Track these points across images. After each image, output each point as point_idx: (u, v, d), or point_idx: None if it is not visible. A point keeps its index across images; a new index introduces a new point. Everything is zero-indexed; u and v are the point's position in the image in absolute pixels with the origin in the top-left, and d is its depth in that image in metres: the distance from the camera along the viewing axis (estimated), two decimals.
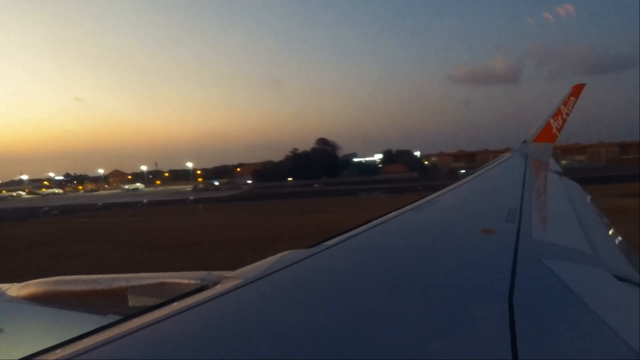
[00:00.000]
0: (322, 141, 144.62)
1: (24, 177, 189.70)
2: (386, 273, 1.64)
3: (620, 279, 1.78)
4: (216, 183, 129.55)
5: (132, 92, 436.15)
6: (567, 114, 10.19)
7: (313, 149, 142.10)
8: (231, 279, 1.62)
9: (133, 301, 2.47)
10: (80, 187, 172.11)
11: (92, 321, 2.42)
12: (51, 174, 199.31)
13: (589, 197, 5.15)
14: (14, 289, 2.77)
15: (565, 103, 10.20)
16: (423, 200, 3.61)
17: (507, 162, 8.10)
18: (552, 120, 10.06)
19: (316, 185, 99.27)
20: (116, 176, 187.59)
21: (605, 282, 1.73)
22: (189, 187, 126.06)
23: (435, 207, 3.40)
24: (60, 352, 1.11)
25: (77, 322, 2.46)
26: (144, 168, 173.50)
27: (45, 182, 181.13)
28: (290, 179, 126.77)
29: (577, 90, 10.36)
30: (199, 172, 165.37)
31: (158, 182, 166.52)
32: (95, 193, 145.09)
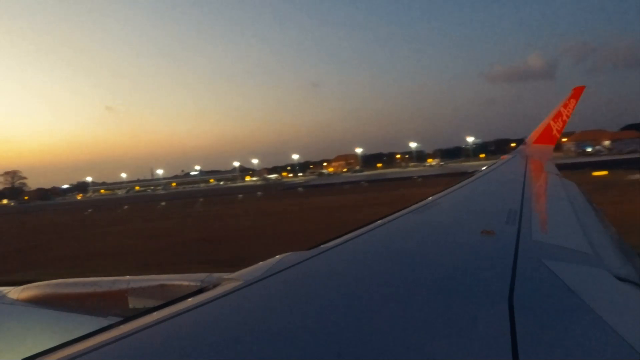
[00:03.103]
0: None
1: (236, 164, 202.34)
2: (386, 274, 1.65)
3: (621, 279, 1.78)
4: None
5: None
6: (568, 116, 10.33)
7: None
8: (231, 280, 1.62)
9: (133, 303, 2.49)
10: (330, 170, 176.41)
11: (92, 323, 2.41)
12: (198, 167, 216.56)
13: (588, 197, 5.17)
14: (15, 292, 2.79)
15: (565, 105, 10.35)
16: (424, 202, 3.66)
17: (507, 163, 8.26)
18: (552, 122, 10.25)
19: None
20: (341, 160, 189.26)
21: (606, 282, 1.72)
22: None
23: (436, 209, 3.44)
24: (60, 354, 1.11)
25: (78, 324, 2.48)
26: (358, 150, 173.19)
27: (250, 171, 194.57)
28: None
29: (577, 92, 10.50)
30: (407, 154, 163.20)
31: (430, 160, 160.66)
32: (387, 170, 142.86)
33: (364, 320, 1.20)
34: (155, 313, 1.35)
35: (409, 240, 2.33)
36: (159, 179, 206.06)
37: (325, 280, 1.60)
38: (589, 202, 4.76)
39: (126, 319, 1.37)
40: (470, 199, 4.32)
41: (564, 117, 10.31)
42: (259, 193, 78.64)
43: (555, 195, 4.69)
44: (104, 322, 2.36)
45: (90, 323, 2.43)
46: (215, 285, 1.66)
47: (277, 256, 1.84)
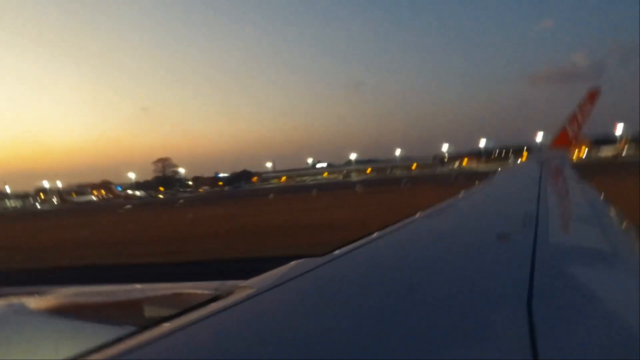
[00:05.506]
0: None
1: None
2: (400, 281, 1.63)
3: None
4: None
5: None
6: (584, 120, 10.28)
7: None
8: (244, 288, 1.63)
9: (149, 312, 2.51)
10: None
11: (109, 332, 2.25)
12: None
13: (608, 200, 4.98)
14: (34, 302, 2.82)
15: (581, 109, 10.30)
16: (437, 207, 3.66)
17: (523, 167, 8.26)
18: (568, 126, 10.25)
19: None
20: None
21: (629, 285, 1.66)
22: None
23: (450, 214, 3.44)
24: None
25: (95, 334, 2.45)
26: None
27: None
28: None
29: (593, 96, 10.44)
30: None
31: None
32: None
33: (379, 328, 1.18)
34: (171, 322, 1.36)
35: (424, 246, 2.33)
36: (345, 166, 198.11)
37: (339, 287, 1.61)
38: (608, 204, 4.60)
39: (142, 328, 1.38)
40: (486, 203, 4.30)
41: (580, 121, 10.29)
42: None
43: (572, 198, 4.64)
44: (121, 331, 2.19)
45: (107, 332, 2.36)
46: (228, 293, 1.67)
47: (291, 263, 1.86)
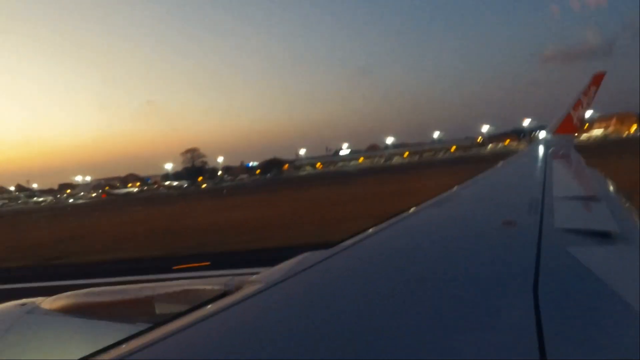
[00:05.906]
0: None
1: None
2: (409, 270, 1.64)
3: None
4: None
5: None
6: (588, 104, 9.97)
7: None
8: (253, 283, 1.63)
9: (160, 309, 2.54)
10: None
11: (122, 330, 2.40)
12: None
13: (613, 185, 4.93)
14: (47, 302, 2.85)
15: (585, 93, 9.95)
16: (443, 195, 3.68)
17: (528, 154, 8.29)
18: (572, 112, 9.85)
19: None
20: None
21: (635, 269, 1.67)
22: None
23: (456, 202, 3.46)
24: None
25: (108, 332, 2.49)
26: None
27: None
28: None
29: (597, 79, 10.06)
30: None
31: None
32: None
33: (388, 316, 1.19)
34: (182, 319, 1.36)
35: (430, 234, 2.35)
36: (368, 151, 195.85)
37: (347, 279, 1.61)
38: (613, 188, 4.60)
39: (154, 325, 1.40)
40: (492, 190, 4.34)
41: (585, 106, 9.97)
42: None
43: (578, 183, 4.65)
44: (133, 328, 2.33)
45: (120, 330, 2.45)
46: (237, 288, 1.68)
47: (298, 256, 1.87)
